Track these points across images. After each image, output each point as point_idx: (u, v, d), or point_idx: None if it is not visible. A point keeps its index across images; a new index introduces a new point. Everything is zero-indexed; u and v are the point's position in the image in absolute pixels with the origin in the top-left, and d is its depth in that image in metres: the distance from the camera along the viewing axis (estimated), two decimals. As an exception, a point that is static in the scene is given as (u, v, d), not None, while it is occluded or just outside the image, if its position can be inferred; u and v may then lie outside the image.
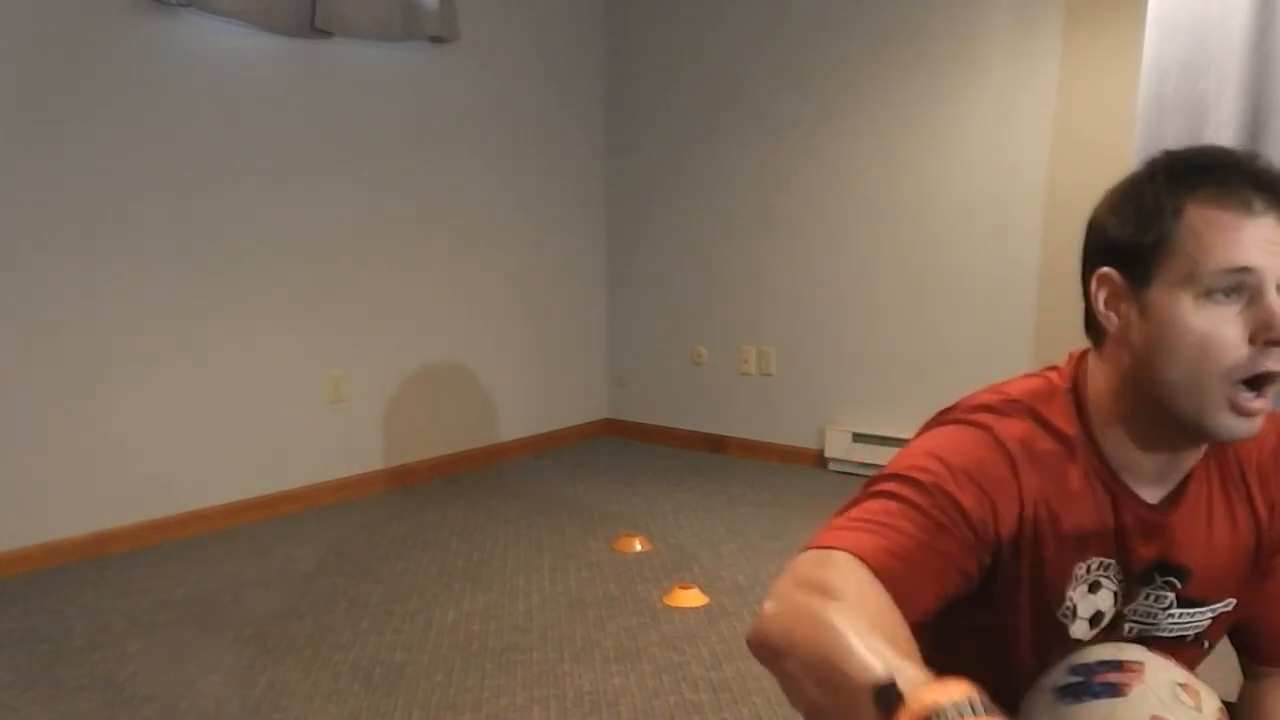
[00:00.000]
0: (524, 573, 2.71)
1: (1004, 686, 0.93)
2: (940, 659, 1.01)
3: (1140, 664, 0.86)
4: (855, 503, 0.87)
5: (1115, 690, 0.84)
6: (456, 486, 3.63)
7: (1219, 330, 0.81)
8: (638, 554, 2.86)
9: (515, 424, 4.07)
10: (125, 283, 2.84)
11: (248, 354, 3.14)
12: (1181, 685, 0.84)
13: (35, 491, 2.70)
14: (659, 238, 4.27)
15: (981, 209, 3.41)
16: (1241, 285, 0.81)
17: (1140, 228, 0.85)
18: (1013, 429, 0.90)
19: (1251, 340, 0.81)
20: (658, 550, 2.90)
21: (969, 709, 0.60)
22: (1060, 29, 3.19)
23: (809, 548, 0.82)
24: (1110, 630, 0.94)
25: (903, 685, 0.63)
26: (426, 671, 2.11)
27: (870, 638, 0.68)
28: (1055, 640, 0.92)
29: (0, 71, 2.56)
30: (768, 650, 0.75)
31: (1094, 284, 0.90)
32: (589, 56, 4.27)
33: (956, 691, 0.61)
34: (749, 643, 0.77)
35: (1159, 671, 0.85)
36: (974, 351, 3.46)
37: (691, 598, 2.49)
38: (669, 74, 4.14)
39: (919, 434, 0.95)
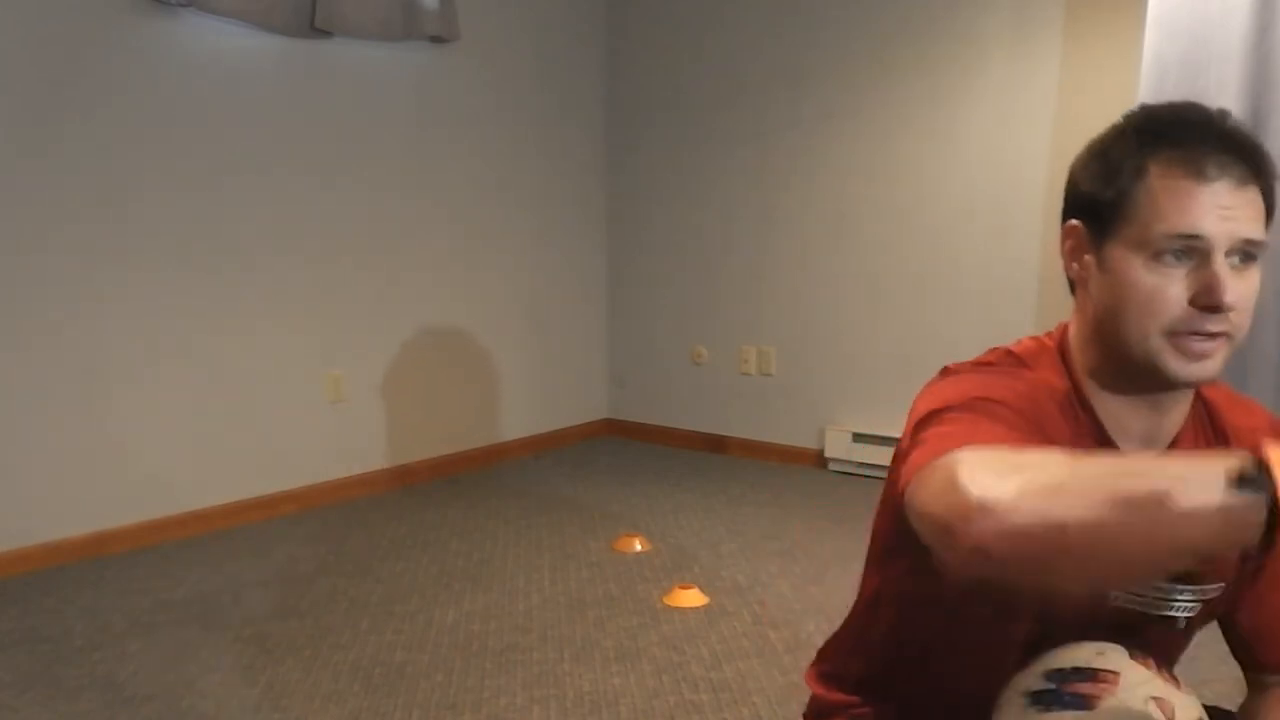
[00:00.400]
0: (524, 573, 2.71)
1: (986, 661, 0.92)
2: (917, 632, 1.00)
3: (1115, 674, 0.84)
4: (941, 423, 0.82)
5: (1084, 702, 0.82)
6: (456, 486, 3.63)
7: (1163, 290, 0.84)
8: (638, 554, 2.86)
9: (515, 424, 4.07)
10: (125, 282, 2.84)
11: (248, 354, 3.13)
12: (1156, 699, 0.82)
13: (35, 491, 2.70)
14: (659, 238, 4.27)
15: (981, 209, 3.41)
16: (1191, 249, 0.83)
17: (1104, 184, 0.88)
18: (1025, 374, 0.93)
19: (1192, 302, 0.83)
20: (658, 550, 2.90)
21: None
22: (1060, 29, 3.19)
23: (941, 454, 0.73)
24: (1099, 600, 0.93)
25: (1227, 469, 0.58)
26: (426, 671, 2.11)
27: (1155, 457, 0.67)
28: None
29: (0, 71, 2.56)
30: (1027, 530, 0.63)
31: (1062, 235, 0.95)
32: (589, 56, 4.27)
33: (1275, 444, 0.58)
34: (974, 542, 0.64)
35: (1134, 685, 0.83)
36: (974, 352, 3.43)
37: (691, 598, 2.49)
38: (669, 74, 4.14)
39: (928, 390, 0.93)
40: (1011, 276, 3.36)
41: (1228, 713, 1.02)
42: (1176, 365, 0.85)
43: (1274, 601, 1.00)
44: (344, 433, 3.43)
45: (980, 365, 0.96)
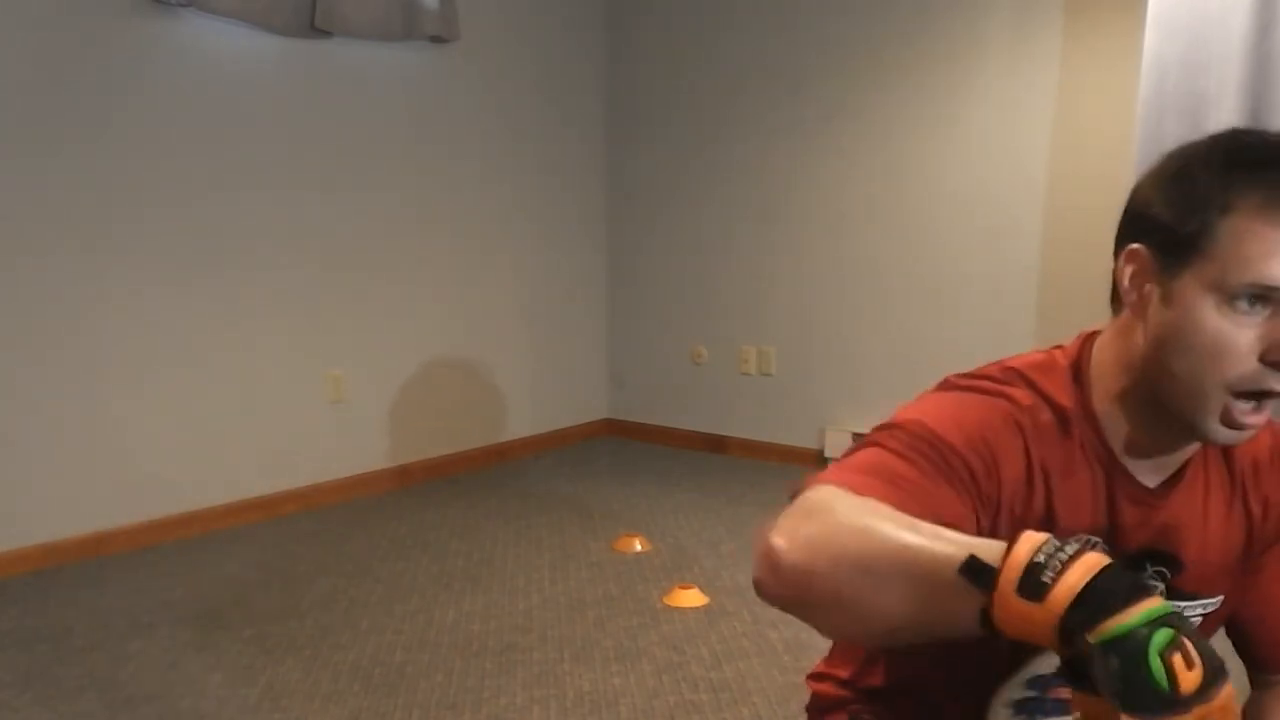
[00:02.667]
0: (524, 573, 2.71)
1: (980, 675, 0.92)
2: (907, 653, 1.00)
3: None
4: (849, 454, 0.85)
5: (1066, 708, 0.82)
6: (456, 486, 3.63)
7: (1233, 339, 0.80)
8: (638, 554, 2.86)
9: (515, 424, 4.07)
10: (125, 282, 2.84)
11: (248, 354, 3.13)
12: None
13: (35, 491, 2.70)
14: (659, 238, 4.27)
15: (981, 209, 3.41)
16: (1268, 299, 0.80)
17: (1183, 215, 0.82)
18: (1016, 395, 0.89)
19: (1261, 357, 0.80)
20: (658, 550, 2.90)
21: (1059, 546, 0.57)
22: (1060, 29, 3.19)
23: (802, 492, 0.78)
24: None
25: (983, 554, 0.60)
26: (426, 671, 2.11)
27: (922, 525, 0.66)
28: None
29: (0, 71, 2.56)
30: (794, 577, 0.70)
31: (1123, 258, 0.88)
32: (589, 56, 4.27)
33: (1036, 539, 0.59)
34: (761, 582, 0.72)
35: None
36: (974, 352, 3.44)
37: (691, 598, 2.49)
38: (669, 74, 4.14)
39: (915, 399, 0.93)
40: (1011, 276, 3.36)
41: None
42: (1220, 431, 0.83)
43: (1278, 601, 1.00)
44: (344, 433, 3.43)
45: (978, 378, 0.93)
